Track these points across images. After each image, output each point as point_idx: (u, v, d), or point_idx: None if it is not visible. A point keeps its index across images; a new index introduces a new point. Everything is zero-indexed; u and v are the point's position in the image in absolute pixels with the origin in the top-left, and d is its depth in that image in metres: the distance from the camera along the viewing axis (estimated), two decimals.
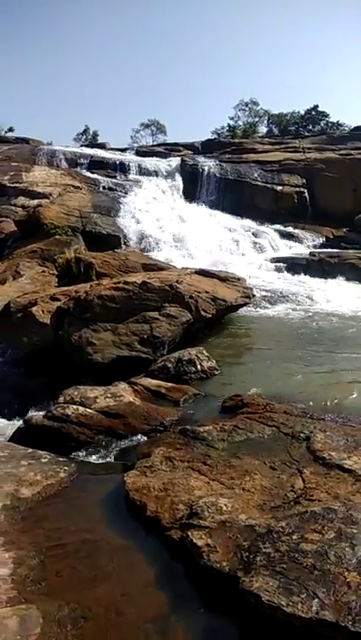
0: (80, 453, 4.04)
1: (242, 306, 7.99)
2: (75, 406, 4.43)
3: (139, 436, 4.15)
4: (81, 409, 4.40)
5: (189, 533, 2.64)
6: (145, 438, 4.09)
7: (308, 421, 3.78)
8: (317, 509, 2.74)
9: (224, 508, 2.78)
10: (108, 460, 3.96)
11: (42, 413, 4.54)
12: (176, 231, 14.48)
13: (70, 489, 3.44)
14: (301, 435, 3.56)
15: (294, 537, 2.54)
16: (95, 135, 31.77)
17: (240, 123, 31.29)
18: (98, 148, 23.71)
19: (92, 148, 23.32)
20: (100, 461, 3.93)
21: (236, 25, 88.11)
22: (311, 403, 4.38)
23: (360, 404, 4.34)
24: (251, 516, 2.75)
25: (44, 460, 3.68)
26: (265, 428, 3.71)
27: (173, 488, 3.00)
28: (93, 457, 3.99)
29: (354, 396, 4.55)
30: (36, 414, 4.62)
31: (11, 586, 2.57)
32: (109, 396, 4.65)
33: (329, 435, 3.54)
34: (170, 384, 5.10)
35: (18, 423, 4.79)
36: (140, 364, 5.71)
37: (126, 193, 16.93)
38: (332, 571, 2.23)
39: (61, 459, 3.80)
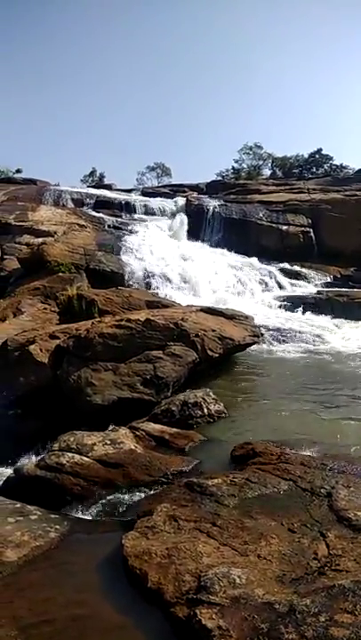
0: (74, 508, 3.69)
1: (250, 345, 7.74)
2: (70, 454, 4.11)
3: (140, 490, 3.80)
4: (77, 457, 4.08)
5: (198, 612, 2.27)
6: (147, 492, 3.75)
7: (329, 474, 3.43)
8: (346, 583, 2.37)
9: (238, 580, 2.41)
10: (105, 516, 3.60)
11: (34, 462, 4.22)
12: (181, 269, 14.48)
13: (61, 551, 3.08)
14: (322, 490, 3.21)
15: (322, 618, 2.17)
16: (102, 177, 32.68)
17: (244, 165, 32.18)
18: (104, 188, 24.25)
19: (98, 188, 23.85)
20: (96, 518, 3.58)
21: (240, 71, 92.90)
22: (330, 452, 4.03)
23: None
24: (269, 590, 2.38)
25: (33, 517, 3.33)
26: (280, 481, 3.37)
27: (178, 554, 2.64)
28: (88, 513, 3.64)
29: None
30: (27, 463, 4.29)
31: None
32: (108, 442, 4.34)
33: (353, 491, 3.19)
34: (174, 429, 4.80)
35: (8, 472, 4.45)
36: (143, 407, 5.43)
37: (131, 232, 17.13)
38: None
39: (53, 515, 3.44)
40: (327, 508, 3.05)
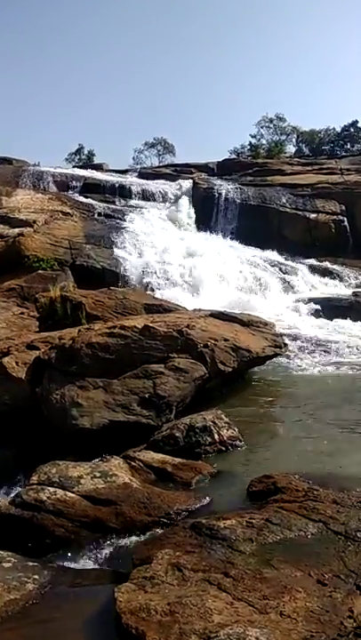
0: (57, 555, 3.73)
1: (270, 357, 7.76)
2: (52, 489, 4.14)
3: (136, 532, 3.83)
4: (60, 493, 4.11)
5: None
6: (144, 535, 3.78)
7: None
8: None
9: None
10: (94, 565, 3.63)
11: (9, 498, 4.28)
12: (186, 266, 14.58)
13: (41, 606, 3.10)
14: (358, 534, 3.22)
15: None
16: (91, 155, 32.94)
17: (264, 141, 32.34)
18: (94, 169, 24.53)
19: (86, 169, 24.11)
20: (84, 567, 3.61)
21: (258, 30, 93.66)
22: None
23: None
24: None
25: (7, 565, 3.37)
26: (308, 523, 3.38)
27: (183, 610, 2.65)
28: (74, 560, 3.67)
29: None
30: (0, 499, 4.33)
31: None
32: (98, 475, 4.37)
33: None
34: (178, 459, 4.83)
35: None
36: (140, 432, 5.47)
37: (126, 221, 17.25)
38: None
39: (31, 563, 3.48)
40: None
